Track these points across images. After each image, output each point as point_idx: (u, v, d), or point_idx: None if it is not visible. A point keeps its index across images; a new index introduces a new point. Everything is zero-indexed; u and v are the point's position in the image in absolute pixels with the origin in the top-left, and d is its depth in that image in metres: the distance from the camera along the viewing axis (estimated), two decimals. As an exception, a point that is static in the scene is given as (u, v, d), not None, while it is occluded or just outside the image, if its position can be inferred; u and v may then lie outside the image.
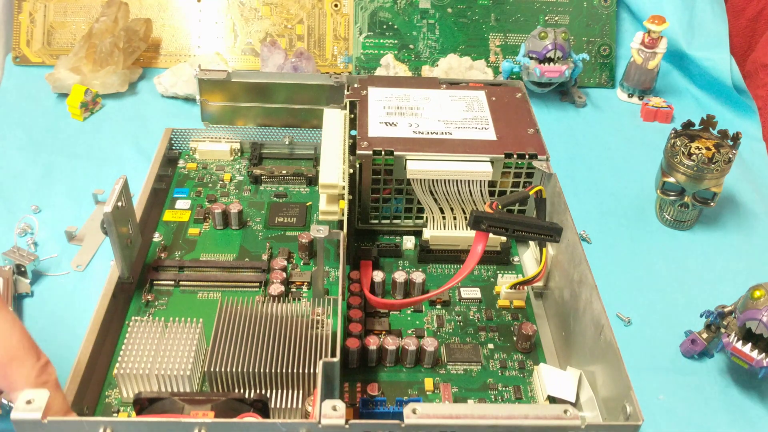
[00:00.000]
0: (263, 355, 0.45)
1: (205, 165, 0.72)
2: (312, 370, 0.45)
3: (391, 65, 0.93)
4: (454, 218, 0.61)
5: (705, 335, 0.59)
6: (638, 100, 0.95)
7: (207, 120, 0.73)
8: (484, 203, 0.58)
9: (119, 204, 0.51)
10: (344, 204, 0.57)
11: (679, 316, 0.63)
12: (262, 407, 0.41)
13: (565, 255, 0.54)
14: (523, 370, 0.53)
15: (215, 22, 0.94)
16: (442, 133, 0.61)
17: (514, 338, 0.55)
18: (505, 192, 0.61)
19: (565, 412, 0.39)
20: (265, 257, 0.60)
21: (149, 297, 0.57)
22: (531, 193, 0.55)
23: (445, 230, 0.61)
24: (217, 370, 0.44)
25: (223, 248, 0.62)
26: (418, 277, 0.57)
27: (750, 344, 0.54)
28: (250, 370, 0.45)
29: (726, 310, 0.58)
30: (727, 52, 0.95)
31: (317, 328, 0.48)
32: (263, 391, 0.46)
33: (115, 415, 0.47)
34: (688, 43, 0.95)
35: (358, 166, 0.59)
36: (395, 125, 0.62)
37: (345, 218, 0.56)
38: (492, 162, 0.59)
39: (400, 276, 0.57)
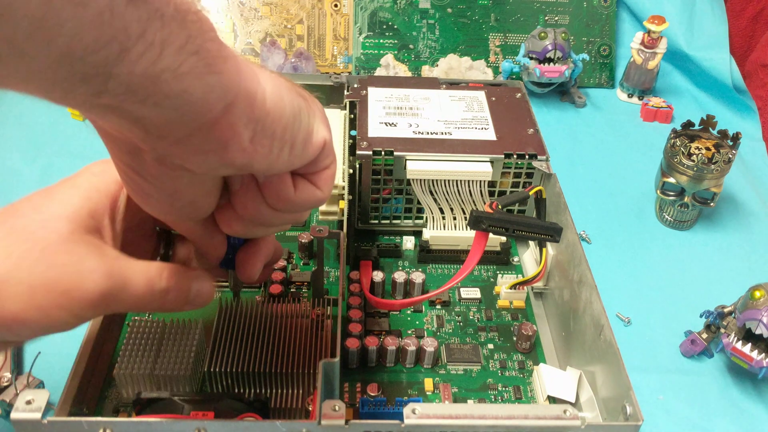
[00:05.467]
0: (263, 355, 0.45)
1: (205, 165, 0.72)
2: (312, 370, 0.45)
3: (391, 65, 0.93)
4: (454, 218, 0.61)
5: (705, 335, 0.59)
6: (638, 100, 0.95)
7: (207, 120, 0.73)
8: (484, 203, 0.58)
9: (119, 204, 0.51)
10: (344, 204, 0.57)
11: (679, 316, 0.63)
12: (261, 407, 0.41)
13: (565, 255, 0.54)
14: (523, 370, 0.53)
15: (215, 23, 0.94)
16: (442, 133, 0.61)
17: (514, 338, 0.55)
18: (505, 192, 0.61)
19: (565, 412, 0.39)
20: (265, 257, 0.60)
21: (149, 297, 0.57)
22: (531, 193, 0.55)
23: (445, 230, 0.61)
24: (217, 370, 0.44)
25: (223, 248, 0.62)
26: (418, 277, 0.57)
27: (750, 344, 0.54)
28: (250, 370, 0.45)
29: (726, 310, 0.58)
30: (727, 52, 0.95)
31: (317, 328, 0.48)
32: (263, 391, 0.46)
33: (115, 415, 0.47)
34: (688, 43, 0.95)
35: (358, 166, 0.59)
36: (395, 125, 0.62)
37: (345, 218, 0.56)
38: (492, 162, 0.59)
39: (400, 276, 0.57)
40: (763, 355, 0.54)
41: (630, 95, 0.96)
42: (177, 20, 0.26)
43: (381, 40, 0.95)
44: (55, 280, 0.34)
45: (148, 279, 0.37)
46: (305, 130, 0.34)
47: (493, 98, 0.67)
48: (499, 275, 0.60)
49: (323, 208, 0.60)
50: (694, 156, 0.69)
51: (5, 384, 0.50)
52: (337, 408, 0.38)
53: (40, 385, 0.50)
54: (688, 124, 0.74)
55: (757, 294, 0.54)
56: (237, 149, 0.31)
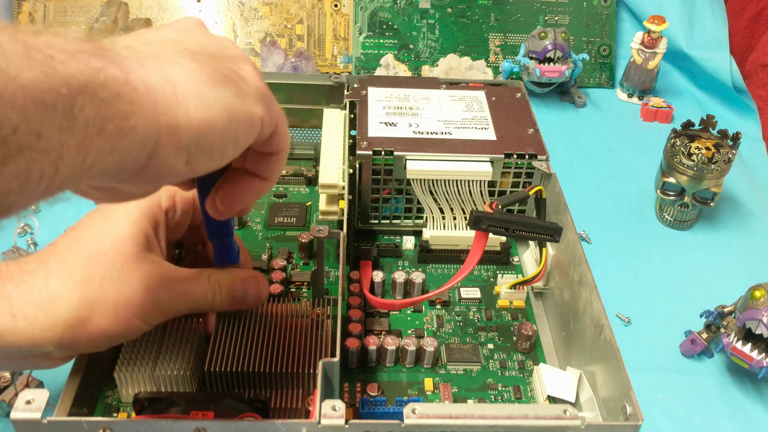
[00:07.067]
0: (263, 355, 0.45)
1: (205, 165, 0.72)
2: (312, 370, 0.45)
3: (391, 65, 0.93)
4: (454, 218, 0.61)
5: (705, 335, 0.59)
6: (638, 100, 0.95)
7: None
8: (484, 203, 0.57)
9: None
10: (344, 204, 0.57)
11: (679, 316, 0.63)
12: (261, 407, 0.41)
13: (565, 255, 0.54)
14: (522, 370, 0.53)
15: (215, 22, 0.94)
16: (442, 133, 0.61)
17: (514, 338, 0.55)
18: (505, 192, 0.61)
19: (565, 412, 0.39)
20: (264, 257, 0.60)
21: (149, 297, 0.57)
22: (531, 193, 0.55)
23: (445, 230, 0.61)
24: (217, 369, 0.44)
25: (223, 248, 0.62)
26: (417, 277, 0.57)
27: (750, 344, 0.54)
28: (250, 370, 0.45)
29: (726, 310, 0.58)
30: (727, 52, 0.95)
31: (317, 328, 0.48)
32: (263, 391, 0.46)
33: (115, 415, 0.47)
34: (688, 43, 0.95)
35: (357, 166, 0.59)
36: (395, 125, 0.62)
37: (345, 218, 0.56)
38: (492, 162, 0.59)
39: (399, 276, 0.57)
40: (763, 355, 0.54)
41: (630, 95, 0.96)
42: (70, 121, 0.24)
43: (381, 40, 0.95)
44: (132, 295, 0.39)
45: (200, 283, 0.42)
46: (245, 120, 0.33)
47: (493, 98, 0.67)
48: (499, 275, 0.60)
49: (323, 207, 0.60)
50: (694, 156, 0.69)
51: (5, 384, 0.50)
52: (336, 408, 0.38)
53: (40, 385, 0.50)
54: (688, 124, 0.74)
55: (757, 294, 0.54)
56: (174, 176, 0.31)
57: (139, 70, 0.28)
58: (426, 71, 0.94)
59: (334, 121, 0.65)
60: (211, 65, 0.32)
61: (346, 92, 0.67)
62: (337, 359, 0.43)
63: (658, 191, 0.73)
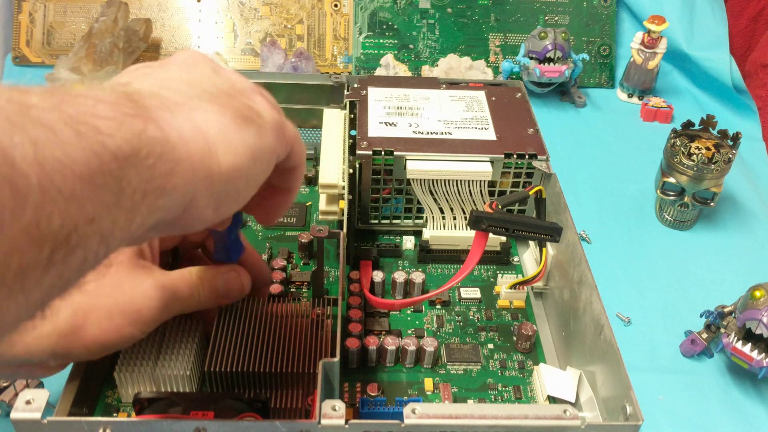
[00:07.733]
0: (263, 355, 0.45)
1: (205, 165, 0.72)
2: (312, 370, 0.45)
3: (391, 65, 0.93)
4: (454, 218, 0.61)
5: (705, 335, 0.59)
6: (638, 100, 0.95)
7: (207, 120, 0.73)
8: (484, 203, 0.57)
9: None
10: (344, 204, 0.57)
11: (679, 316, 0.63)
12: (261, 407, 0.41)
13: (565, 255, 0.54)
14: (522, 370, 0.53)
15: (215, 22, 0.94)
16: (442, 133, 0.61)
17: (514, 338, 0.55)
18: (505, 192, 0.61)
19: (565, 412, 0.39)
20: (264, 257, 0.60)
21: (149, 297, 0.57)
22: (531, 193, 0.55)
23: (445, 230, 0.61)
24: (217, 369, 0.44)
25: (223, 248, 0.62)
26: (417, 277, 0.57)
27: (750, 344, 0.54)
28: (250, 370, 0.45)
29: (726, 310, 0.58)
30: (727, 52, 0.95)
31: (317, 328, 0.48)
32: (263, 391, 0.46)
33: (115, 415, 0.47)
34: (688, 43, 0.95)
35: (357, 166, 0.59)
36: (395, 125, 0.62)
37: (345, 218, 0.56)
38: (492, 162, 0.59)
39: (399, 276, 0.57)
40: (763, 355, 0.54)
41: (630, 95, 0.96)
42: (119, 196, 0.23)
43: (381, 40, 0.95)
44: (127, 302, 0.39)
45: (189, 283, 0.42)
46: (265, 159, 0.33)
47: (493, 98, 0.67)
48: (499, 275, 0.60)
49: (323, 207, 0.60)
50: (694, 156, 0.69)
51: (5, 384, 0.50)
52: (337, 408, 0.38)
53: (40, 385, 0.50)
54: (688, 124, 0.74)
55: (757, 294, 0.54)
56: (203, 224, 0.31)
57: (172, 121, 0.27)
58: (426, 71, 0.94)
59: (334, 121, 0.65)
60: (230, 106, 0.32)
61: (346, 92, 0.67)
62: (337, 359, 0.43)
63: (658, 191, 0.73)
